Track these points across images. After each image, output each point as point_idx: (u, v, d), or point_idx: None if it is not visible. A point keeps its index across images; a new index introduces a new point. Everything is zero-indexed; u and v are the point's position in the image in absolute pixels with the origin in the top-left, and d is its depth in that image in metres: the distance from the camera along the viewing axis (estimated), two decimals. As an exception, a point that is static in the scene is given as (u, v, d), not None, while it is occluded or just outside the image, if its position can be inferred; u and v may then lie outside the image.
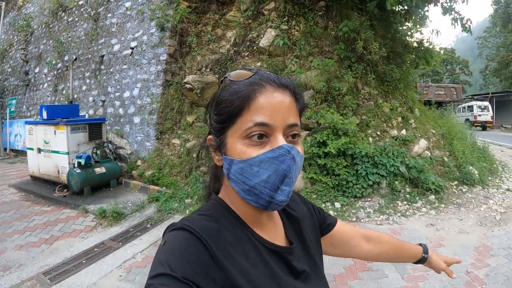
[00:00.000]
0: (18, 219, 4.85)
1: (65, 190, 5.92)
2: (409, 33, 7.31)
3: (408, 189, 4.88)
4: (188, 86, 6.50)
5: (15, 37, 12.38)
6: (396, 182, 4.86)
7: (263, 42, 6.04)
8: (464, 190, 5.09)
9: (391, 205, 4.57)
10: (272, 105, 0.59)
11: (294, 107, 0.62)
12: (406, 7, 5.30)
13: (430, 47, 7.32)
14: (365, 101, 5.90)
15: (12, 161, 9.87)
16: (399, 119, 5.93)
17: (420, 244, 1.01)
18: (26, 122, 7.40)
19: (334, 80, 5.58)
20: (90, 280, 3.13)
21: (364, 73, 5.90)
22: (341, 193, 4.77)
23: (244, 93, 0.59)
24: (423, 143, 5.58)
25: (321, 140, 4.95)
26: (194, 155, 5.90)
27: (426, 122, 6.58)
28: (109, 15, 8.27)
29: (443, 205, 4.62)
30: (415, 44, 7.31)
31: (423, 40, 7.42)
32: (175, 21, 6.70)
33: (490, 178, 5.71)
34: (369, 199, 4.70)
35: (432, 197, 4.72)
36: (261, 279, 0.60)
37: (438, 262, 1.00)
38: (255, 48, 6.21)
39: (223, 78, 0.64)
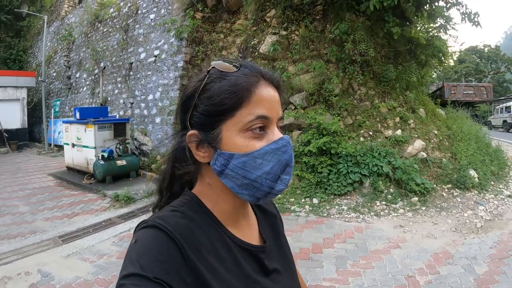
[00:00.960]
0: (50, 200, 5.95)
1: (92, 179, 7.00)
2: (413, 31, 7.53)
3: (392, 190, 4.88)
4: None
5: (59, 45, 14.21)
6: (380, 182, 4.90)
7: (263, 48, 6.65)
8: (455, 194, 4.92)
9: (369, 204, 4.65)
10: (269, 98, 0.60)
11: (281, 101, 0.64)
12: (391, 4, 5.51)
13: (442, 45, 7.46)
14: (361, 101, 6.27)
15: (55, 155, 11.51)
16: (397, 119, 6.11)
17: None
18: (63, 121, 8.74)
19: (326, 81, 6.08)
20: (90, 243, 3.97)
21: (360, 74, 6.30)
22: (322, 190, 5.10)
23: (243, 85, 0.58)
24: (418, 144, 5.73)
25: (306, 140, 5.44)
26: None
27: (432, 122, 6.67)
28: (137, 26, 9.43)
29: (424, 208, 4.53)
30: (424, 42, 7.50)
31: (432, 37, 7.60)
32: (188, 31, 7.59)
33: (493, 183, 5.40)
34: (348, 197, 4.97)
35: (415, 199, 4.69)
36: (232, 279, 0.60)
37: None
38: (256, 54, 6.89)
39: (209, 68, 0.62)
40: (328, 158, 5.19)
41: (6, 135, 13.38)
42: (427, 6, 6.35)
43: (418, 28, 8.10)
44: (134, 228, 0.60)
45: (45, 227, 4.55)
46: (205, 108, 0.60)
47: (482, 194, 5.05)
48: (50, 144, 13.33)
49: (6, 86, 13.82)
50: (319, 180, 5.14)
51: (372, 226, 4.12)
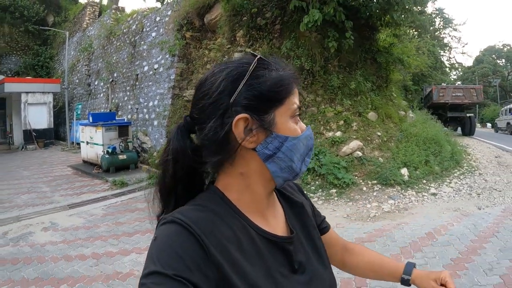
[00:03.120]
0: (66, 183, 8.23)
1: (100, 169, 9.24)
2: (381, 37, 8.96)
3: (317, 183, 6.46)
4: (187, 98, 9.36)
5: (81, 54, 16.86)
6: (308, 176, 6.55)
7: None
8: (376, 189, 6.18)
9: None
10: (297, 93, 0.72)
11: None
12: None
13: (403, 51, 8.83)
14: (308, 107, 7.95)
15: (75, 151, 14.14)
16: (341, 122, 7.70)
17: (409, 263, 0.90)
18: (80, 124, 11.12)
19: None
20: (87, 209, 6.12)
21: (310, 83, 7.98)
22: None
23: (291, 79, 0.69)
24: (354, 144, 7.23)
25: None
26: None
27: (381, 125, 8.03)
28: (142, 42, 11.65)
29: (336, 198, 5.91)
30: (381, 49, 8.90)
31: (390, 44, 9.00)
32: (178, 49, 9.63)
33: (425, 181, 6.57)
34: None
35: (333, 191, 6.18)
36: (257, 275, 0.61)
37: (425, 284, 0.85)
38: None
39: (258, 57, 0.67)
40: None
41: (35, 134, 16.30)
42: (387, 16, 7.68)
43: (386, 36, 9.38)
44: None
45: (59, 200, 6.74)
46: (263, 91, 0.64)
47: (403, 190, 6.21)
48: (72, 142, 16.06)
49: (34, 91, 16.82)
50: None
51: None
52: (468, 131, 16.28)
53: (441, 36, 22.88)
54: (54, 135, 18.26)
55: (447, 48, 24.51)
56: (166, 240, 0.57)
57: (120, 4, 16.22)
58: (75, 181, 8.59)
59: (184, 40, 9.97)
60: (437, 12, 23.60)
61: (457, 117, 16.14)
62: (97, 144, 9.69)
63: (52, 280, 3.54)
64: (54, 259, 4.04)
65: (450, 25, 24.08)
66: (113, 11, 14.99)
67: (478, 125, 20.29)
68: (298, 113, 0.70)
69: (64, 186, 8.05)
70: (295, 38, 7.75)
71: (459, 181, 6.84)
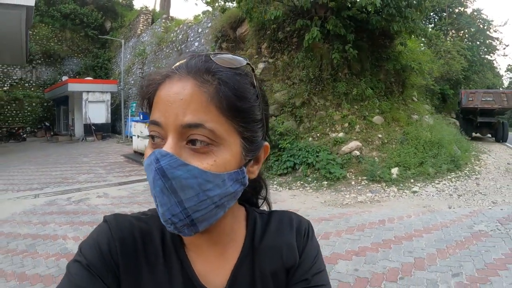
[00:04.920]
0: (118, 168, 10.63)
1: (144, 159, 11.64)
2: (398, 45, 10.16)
3: (315, 176, 8.07)
4: None
5: (136, 58, 19.68)
6: (307, 170, 8.19)
7: (256, 71, 10.31)
8: (363, 183, 7.59)
9: (294, 182, 8.05)
10: (167, 98, 0.53)
11: (201, 100, 0.52)
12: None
13: (413, 58, 9.94)
14: (318, 110, 9.42)
15: (129, 143, 17.32)
16: (346, 124, 9.14)
17: None
18: (132, 120, 13.60)
19: (293, 97, 9.41)
20: (132, 186, 8.27)
21: (320, 90, 9.46)
22: (272, 171, 8.62)
23: (153, 83, 0.57)
24: (353, 144, 8.65)
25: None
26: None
27: (386, 128, 9.31)
28: (187, 50, 13.87)
29: (324, 189, 7.47)
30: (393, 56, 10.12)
31: (399, 52, 10.19)
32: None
33: (413, 180, 7.73)
34: (284, 177, 8.38)
35: (325, 183, 7.74)
36: None
37: None
38: (253, 75, 10.53)
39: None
40: (277, 151, 8.55)
41: (94, 128, 19.56)
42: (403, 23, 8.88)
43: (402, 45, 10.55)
44: None
45: (111, 179, 9.03)
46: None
47: (386, 187, 7.50)
48: (126, 136, 19.02)
49: (94, 91, 20.25)
50: (269, 165, 8.52)
51: (280, 193, 7.51)
52: (501, 137, 16.30)
53: (481, 37, 22.54)
54: (111, 129, 21.72)
55: (491, 49, 23.92)
56: (93, 233, 0.62)
57: (171, 10, 18.76)
58: (125, 167, 11.04)
59: (220, 50, 11.91)
60: (476, 13, 23.22)
61: (489, 123, 16.27)
62: (146, 137, 12.06)
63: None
64: (103, 212, 6.18)
65: (490, 26, 23.60)
66: (163, 20, 17.55)
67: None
68: (151, 131, 0.55)
69: (116, 170, 10.44)
70: (307, 49, 9.24)
71: (449, 183, 7.87)
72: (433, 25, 21.46)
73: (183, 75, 0.54)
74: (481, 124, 16.22)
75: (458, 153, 9.37)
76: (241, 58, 0.58)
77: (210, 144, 0.53)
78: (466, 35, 21.93)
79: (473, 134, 16.92)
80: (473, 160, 9.61)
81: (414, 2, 8.54)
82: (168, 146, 0.51)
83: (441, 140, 9.16)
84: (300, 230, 0.71)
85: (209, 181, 0.52)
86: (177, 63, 0.57)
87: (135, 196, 7.41)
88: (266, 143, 0.65)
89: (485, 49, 22.58)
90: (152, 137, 0.56)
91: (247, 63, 0.59)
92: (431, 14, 20.33)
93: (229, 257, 0.65)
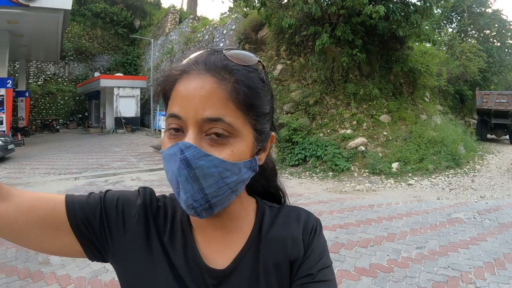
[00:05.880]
0: (148, 157, 12.14)
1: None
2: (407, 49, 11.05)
3: (322, 167, 9.19)
4: None
5: (164, 56, 21.16)
6: (316, 162, 9.30)
7: (274, 73, 11.40)
8: (364, 175, 8.67)
9: (303, 172, 9.20)
10: (186, 93, 0.59)
11: (220, 96, 0.58)
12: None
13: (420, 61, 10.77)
14: (329, 109, 10.43)
15: (157, 136, 19.24)
16: (354, 122, 10.13)
17: None
18: (160, 114, 15.03)
19: (307, 96, 10.45)
20: (161, 172, 9.60)
21: (332, 90, 10.46)
22: (285, 163, 9.74)
23: (168, 79, 0.63)
24: (359, 140, 9.65)
25: (283, 133, 10.01)
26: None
27: (392, 126, 10.21)
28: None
29: (329, 178, 8.59)
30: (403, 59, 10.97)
31: (407, 56, 11.03)
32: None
33: (411, 174, 8.67)
34: (296, 167, 9.50)
35: (330, 173, 8.86)
36: (142, 272, 0.68)
37: None
38: (271, 76, 11.62)
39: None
40: (290, 144, 9.66)
41: (124, 121, 21.28)
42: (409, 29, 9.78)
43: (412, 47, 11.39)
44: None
45: (142, 166, 10.51)
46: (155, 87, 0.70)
47: (385, 178, 8.52)
48: (155, 129, 20.67)
49: (125, 86, 22.01)
50: (284, 157, 9.65)
51: (290, 181, 8.66)
52: None
53: (502, 38, 22.35)
54: (140, 122, 23.55)
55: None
56: (126, 191, 0.78)
57: (198, 9, 20.19)
58: (155, 156, 12.59)
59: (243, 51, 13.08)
60: (496, 13, 22.97)
61: (503, 124, 16.32)
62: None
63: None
64: None
65: (510, 26, 23.33)
66: (191, 20, 18.89)
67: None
68: (172, 124, 0.61)
69: (147, 159, 11.89)
70: (319, 53, 10.27)
71: (445, 178, 8.72)
72: (454, 25, 21.68)
73: (201, 72, 0.59)
74: (495, 125, 16.37)
75: (462, 152, 10.12)
76: (253, 55, 0.64)
77: (228, 136, 0.59)
78: (486, 36, 21.92)
79: (488, 135, 17.12)
80: (476, 159, 10.32)
81: (421, 7, 9.40)
82: (190, 138, 0.57)
83: (444, 139, 9.95)
84: (307, 225, 0.72)
85: (228, 169, 0.58)
86: (193, 58, 0.63)
87: (164, 180, 8.67)
88: (273, 133, 0.72)
89: (507, 50, 22.47)
90: (171, 129, 0.61)
91: (258, 61, 0.65)
92: (452, 14, 20.61)
93: (234, 244, 0.70)
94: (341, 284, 3.69)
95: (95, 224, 0.67)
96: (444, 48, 16.45)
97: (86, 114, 27.64)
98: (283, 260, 0.69)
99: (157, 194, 0.78)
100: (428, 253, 4.42)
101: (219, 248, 0.70)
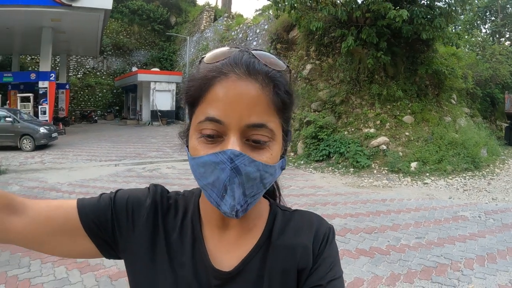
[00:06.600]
0: (182, 149, 12.85)
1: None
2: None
3: (344, 163, 9.88)
4: None
5: (199, 53, 22.31)
6: (339, 158, 9.99)
7: (304, 72, 12.11)
8: (384, 172, 9.28)
9: (326, 168, 9.90)
10: (229, 98, 0.59)
11: (264, 103, 0.60)
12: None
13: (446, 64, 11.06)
14: (354, 108, 11.01)
15: None
16: (378, 122, 10.67)
17: None
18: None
19: (335, 95, 11.09)
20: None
21: (358, 90, 11.04)
22: (310, 158, 10.48)
23: (203, 80, 0.62)
24: (381, 139, 10.20)
25: (310, 130, 10.71)
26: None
27: (415, 127, 10.62)
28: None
29: (350, 174, 9.28)
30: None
31: (431, 59, 11.38)
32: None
33: (428, 174, 9.13)
34: (320, 163, 10.22)
35: (351, 169, 9.54)
36: (146, 272, 0.70)
37: None
38: (300, 75, 12.32)
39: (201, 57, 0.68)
40: (316, 141, 10.38)
41: (160, 114, 22.75)
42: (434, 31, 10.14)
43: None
44: None
45: (177, 157, 11.89)
46: (184, 88, 0.70)
47: (402, 176, 9.07)
48: (183, 120, 21.78)
49: (161, 81, 23.50)
50: (308, 152, 10.39)
51: (313, 175, 9.40)
52: None
53: None
54: (175, 116, 25.21)
55: None
56: (136, 189, 0.79)
57: (232, 7, 21.38)
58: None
59: (275, 50, 13.80)
60: None
61: None
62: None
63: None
64: (172, 179, 8.65)
65: None
66: (225, 18, 19.84)
67: None
68: (207, 129, 0.60)
69: (181, 150, 12.60)
70: (346, 55, 10.86)
71: (461, 179, 9.08)
72: (487, 25, 21.24)
73: (243, 76, 0.60)
74: None
75: (483, 155, 10.42)
76: (281, 60, 0.66)
77: (268, 141, 0.61)
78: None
79: None
80: (497, 163, 10.56)
81: (445, 10, 9.81)
82: (236, 145, 0.57)
83: (466, 142, 10.26)
84: (318, 234, 0.72)
85: (267, 171, 0.61)
86: (228, 59, 0.62)
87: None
88: (292, 130, 0.75)
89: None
90: (210, 133, 0.60)
91: (286, 66, 0.67)
92: (486, 14, 20.27)
93: (243, 245, 0.71)
94: (341, 260, 4.42)
95: (107, 225, 0.70)
96: (477, 50, 16.37)
97: (133, 107, 29.38)
98: (291, 268, 0.69)
99: (176, 190, 0.82)
100: (426, 243, 4.96)
101: (227, 249, 0.71)
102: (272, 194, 0.86)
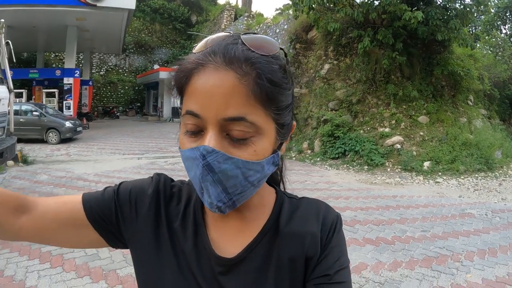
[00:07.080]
0: None
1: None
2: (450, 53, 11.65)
3: (359, 161, 10.27)
4: (295, 94, 13.96)
5: (222, 50, 23.27)
6: (354, 156, 10.39)
7: (322, 72, 12.50)
8: (397, 171, 9.61)
9: (341, 165, 10.31)
10: (206, 90, 0.56)
11: (242, 93, 0.56)
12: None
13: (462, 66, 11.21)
14: (370, 108, 11.33)
15: None
16: (393, 121, 10.96)
17: None
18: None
19: (351, 94, 11.44)
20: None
21: (374, 90, 11.35)
22: (326, 155, 10.90)
23: (183, 72, 0.60)
24: (395, 138, 10.50)
25: (327, 128, 11.10)
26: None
27: (429, 128, 10.84)
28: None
29: (364, 171, 9.67)
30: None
31: (447, 60, 11.58)
32: (289, 57, 14.19)
33: (440, 173, 9.37)
34: (335, 160, 10.64)
35: (365, 167, 9.92)
36: (150, 259, 0.71)
37: None
38: (318, 74, 12.70)
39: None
40: (332, 139, 10.79)
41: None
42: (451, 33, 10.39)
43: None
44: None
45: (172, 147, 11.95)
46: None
47: (415, 175, 9.38)
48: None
49: None
50: (326, 150, 10.81)
51: (328, 171, 9.82)
52: None
53: None
54: None
55: None
56: (140, 179, 0.80)
57: (253, 6, 21.91)
58: None
59: (295, 50, 14.22)
60: None
61: None
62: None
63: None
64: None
65: None
66: (246, 18, 20.34)
67: None
68: (188, 122, 0.60)
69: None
70: (363, 55, 11.19)
71: (473, 179, 9.28)
72: (507, 26, 20.85)
73: (220, 65, 0.56)
74: None
75: (498, 157, 10.59)
76: (275, 42, 0.61)
77: (251, 136, 0.57)
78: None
79: None
80: (511, 165, 10.72)
81: (460, 12, 10.04)
82: (211, 141, 0.55)
83: (480, 143, 10.44)
84: (326, 222, 0.72)
85: (251, 169, 0.58)
86: (209, 48, 0.59)
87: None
88: (294, 122, 0.69)
89: None
90: (192, 127, 0.59)
91: (280, 48, 0.62)
92: (507, 14, 19.98)
93: (247, 233, 0.71)
94: (348, 247, 4.86)
95: (111, 216, 0.72)
96: (498, 51, 16.31)
97: (154, 104, 30.27)
98: (300, 256, 0.68)
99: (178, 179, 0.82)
100: (430, 236, 5.28)
101: (231, 236, 0.71)
102: (276, 181, 0.85)
